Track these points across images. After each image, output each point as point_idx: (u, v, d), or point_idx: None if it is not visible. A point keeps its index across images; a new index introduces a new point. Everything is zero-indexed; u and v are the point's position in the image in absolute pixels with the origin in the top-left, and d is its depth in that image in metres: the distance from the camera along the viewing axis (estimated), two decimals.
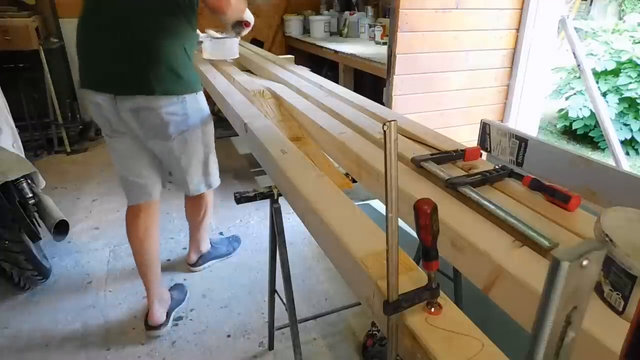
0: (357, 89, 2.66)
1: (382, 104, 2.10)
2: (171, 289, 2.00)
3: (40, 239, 2.01)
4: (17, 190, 1.92)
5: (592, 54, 4.34)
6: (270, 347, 1.72)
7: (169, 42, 1.47)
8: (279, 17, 4.52)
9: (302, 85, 1.84)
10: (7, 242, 1.82)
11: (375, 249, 0.74)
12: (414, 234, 0.61)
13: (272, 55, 2.68)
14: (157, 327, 1.79)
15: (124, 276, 2.15)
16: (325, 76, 2.07)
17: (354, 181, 1.20)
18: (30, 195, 1.97)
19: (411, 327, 0.62)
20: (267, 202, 1.31)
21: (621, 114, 4.16)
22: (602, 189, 0.99)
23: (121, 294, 2.03)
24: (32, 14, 3.41)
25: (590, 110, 4.06)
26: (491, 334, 0.60)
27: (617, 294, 0.59)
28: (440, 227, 0.60)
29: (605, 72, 4.23)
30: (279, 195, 1.26)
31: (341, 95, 1.68)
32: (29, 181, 2.01)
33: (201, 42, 2.26)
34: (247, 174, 3.29)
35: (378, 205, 2.50)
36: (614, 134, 2.68)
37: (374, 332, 1.67)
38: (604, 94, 4.14)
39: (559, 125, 4.76)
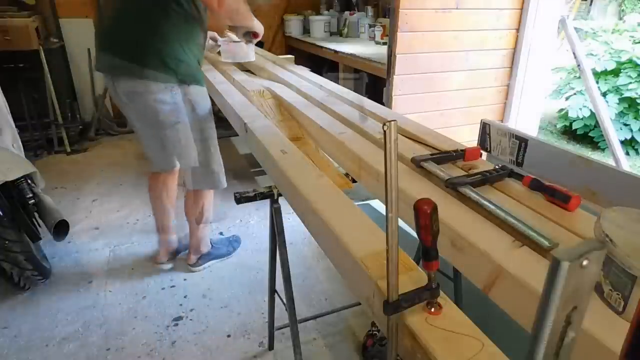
0: (357, 89, 2.66)
1: (382, 104, 2.10)
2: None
3: (40, 239, 2.01)
4: (17, 190, 1.93)
5: (592, 54, 4.34)
6: (270, 347, 1.72)
7: (163, 34, 1.59)
8: (279, 17, 4.53)
9: (302, 85, 1.84)
10: (7, 242, 1.82)
11: (375, 249, 0.74)
12: (414, 234, 0.61)
13: (272, 55, 2.68)
14: (159, 263, 2.16)
15: (124, 276, 2.15)
16: (326, 76, 2.08)
17: (354, 181, 1.20)
18: (30, 195, 1.97)
19: (411, 327, 0.62)
20: (267, 202, 1.31)
21: (621, 114, 4.16)
22: (602, 189, 0.99)
23: (121, 294, 2.03)
24: (32, 14, 3.41)
25: (590, 110, 4.06)
26: (491, 334, 0.60)
27: (617, 294, 0.59)
28: (440, 227, 0.60)
29: (605, 72, 4.23)
30: (279, 195, 1.26)
31: (341, 95, 1.68)
32: (29, 181, 2.01)
33: (219, 45, 2.40)
34: (247, 174, 3.29)
35: (378, 205, 2.51)
36: (614, 134, 2.68)
37: (374, 332, 1.67)
38: (604, 94, 4.14)
39: (559, 125, 4.76)
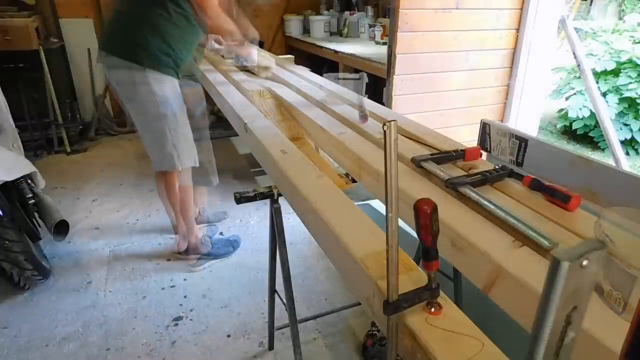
0: (357, 90, 2.66)
1: (382, 104, 2.10)
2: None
3: (40, 239, 2.01)
4: (17, 190, 1.93)
5: (592, 54, 4.34)
6: (270, 347, 1.72)
7: (144, 23, 1.75)
8: (279, 17, 4.52)
9: (302, 85, 1.84)
10: (7, 242, 1.82)
11: (375, 249, 0.74)
12: (414, 234, 0.61)
13: (272, 55, 2.68)
14: (178, 253, 2.26)
15: (124, 276, 2.15)
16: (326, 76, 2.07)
17: (354, 181, 1.20)
18: (30, 195, 1.97)
19: (411, 327, 0.62)
20: (267, 202, 1.31)
21: (621, 114, 4.16)
22: (602, 189, 0.99)
23: (121, 294, 2.03)
24: (32, 14, 3.42)
25: (590, 110, 4.06)
26: (491, 334, 0.60)
27: (617, 294, 0.59)
28: (440, 227, 0.60)
29: (605, 72, 4.23)
30: (279, 195, 1.26)
31: (341, 95, 1.68)
32: (29, 181, 2.01)
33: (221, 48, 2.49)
34: (247, 174, 3.29)
35: (378, 205, 2.51)
36: (614, 134, 2.68)
37: (374, 332, 1.67)
38: (604, 94, 4.14)
39: (559, 125, 4.76)
